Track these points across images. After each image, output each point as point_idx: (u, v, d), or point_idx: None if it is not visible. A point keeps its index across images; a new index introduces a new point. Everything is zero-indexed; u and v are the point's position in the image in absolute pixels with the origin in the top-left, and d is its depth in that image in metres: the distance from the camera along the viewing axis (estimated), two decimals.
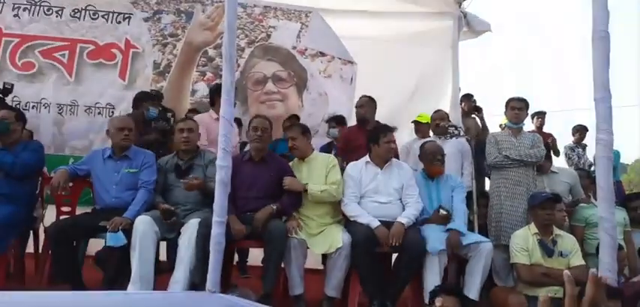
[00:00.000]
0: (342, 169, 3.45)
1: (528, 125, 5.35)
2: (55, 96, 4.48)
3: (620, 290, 2.29)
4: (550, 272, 3.02)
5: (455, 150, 4.07)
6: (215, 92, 3.81)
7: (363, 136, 3.86)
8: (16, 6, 4.59)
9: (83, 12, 4.68)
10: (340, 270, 3.06)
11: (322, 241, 3.11)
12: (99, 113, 4.53)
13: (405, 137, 4.74)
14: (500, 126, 4.78)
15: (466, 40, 5.47)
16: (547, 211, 3.17)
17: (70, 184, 3.29)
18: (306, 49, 4.94)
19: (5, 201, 3.09)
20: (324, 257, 3.29)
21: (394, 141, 3.50)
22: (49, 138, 4.35)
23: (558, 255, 3.11)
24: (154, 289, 2.92)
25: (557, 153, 6.00)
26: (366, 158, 3.47)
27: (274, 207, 3.08)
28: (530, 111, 4.87)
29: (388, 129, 3.48)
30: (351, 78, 4.96)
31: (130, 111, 4.39)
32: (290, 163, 3.43)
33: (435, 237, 3.11)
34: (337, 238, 3.06)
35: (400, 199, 3.37)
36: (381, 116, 4.26)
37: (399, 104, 5.09)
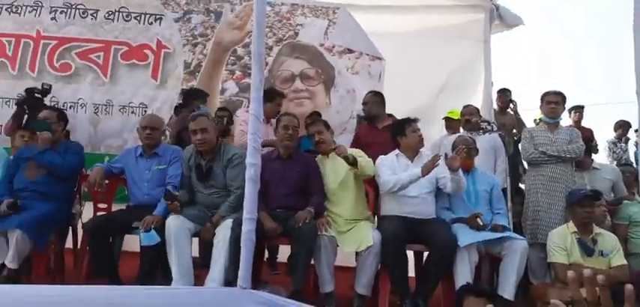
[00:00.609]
0: None
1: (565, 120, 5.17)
2: (91, 96, 4.61)
3: None
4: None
5: (487, 146, 3.96)
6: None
7: (373, 134, 3.83)
8: (53, 9, 4.75)
9: (116, 14, 4.80)
10: (370, 268, 3.04)
11: (352, 239, 3.10)
12: (132, 112, 4.63)
13: (435, 133, 4.67)
14: (536, 121, 4.65)
15: (498, 33, 5.34)
16: (586, 209, 3.06)
17: (106, 181, 3.39)
18: (333, 46, 4.92)
19: (45, 199, 3.21)
20: (357, 254, 3.27)
21: (419, 131, 3.45)
22: (86, 137, 4.48)
23: (598, 254, 3.00)
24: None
25: (595, 151, 5.78)
26: (396, 150, 3.44)
27: (312, 210, 3.08)
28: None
29: (411, 120, 3.45)
30: (380, 75, 4.90)
31: (163, 109, 4.50)
32: None
33: (465, 233, 3.05)
34: (367, 236, 3.04)
35: (433, 191, 3.32)
36: (410, 112, 4.19)
37: (430, 100, 5.01)
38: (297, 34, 4.96)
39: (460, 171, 3.19)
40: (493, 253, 3.17)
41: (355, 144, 3.97)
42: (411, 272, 3.27)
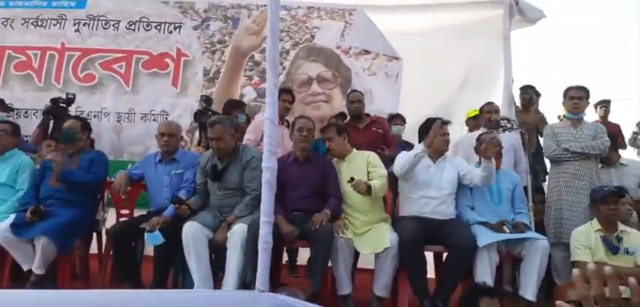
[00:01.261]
0: None
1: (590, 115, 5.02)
2: (114, 105, 4.73)
3: None
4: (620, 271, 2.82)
5: (507, 144, 3.89)
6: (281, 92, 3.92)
7: (357, 134, 3.80)
8: (76, 22, 4.91)
9: (137, 24, 4.92)
10: (388, 270, 3.02)
11: (369, 241, 3.09)
12: (154, 120, 4.73)
13: (456, 131, 4.60)
14: (559, 117, 4.54)
15: (519, 28, 5.25)
16: (610, 206, 2.98)
17: (129, 188, 3.48)
18: (349, 48, 4.92)
19: (69, 206, 3.30)
20: (376, 256, 3.26)
21: (448, 134, 3.40)
22: (109, 144, 4.61)
23: (624, 253, 2.91)
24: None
25: (622, 147, 5.59)
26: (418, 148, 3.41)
27: (329, 213, 3.09)
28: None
29: (443, 122, 3.37)
30: (397, 75, 4.88)
31: (183, 116, 4.59)
32: None
33: (484, 233, 3.00)
34: (384, 238, 3.02)
35: (453, 193, 3.29)
36: (430, 111, 4.16)
37: (449, 98, 4.96)
38: (313, 36, 4.98)
39: (493, 160, 3.16)
40: (514, 253, 3.11)
41: None
42: (431, 274, 3.24)
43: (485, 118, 4.11)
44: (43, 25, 4.89)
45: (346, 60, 4.88)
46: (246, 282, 2.89)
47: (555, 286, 3.20)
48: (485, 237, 2.96)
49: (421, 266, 3.03)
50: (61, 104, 4.16)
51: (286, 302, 2.43)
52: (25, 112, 4.65)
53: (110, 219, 3.84)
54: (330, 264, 3.05)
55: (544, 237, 3.15)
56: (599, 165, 3.76)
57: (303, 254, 4.09)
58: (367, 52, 4.90)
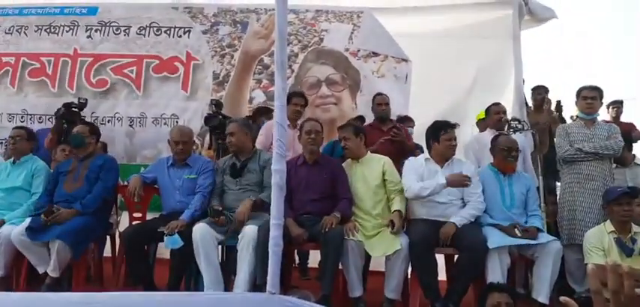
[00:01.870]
0: None
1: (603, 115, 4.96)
2: (127, 109, 4.78)
3: None
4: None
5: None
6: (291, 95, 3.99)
7: (381, 136, 3.78)
8: (88, 28, 4.97)
9: (147, 29, 4.97)
10: (399, 272, 3.02)
11: (380, 243, 3.09)
12: (165, 124, 4.77)
13: (466, 133, 4.58)
14: (572, 117, 4.49)
15: (529, 28, 5.20)
16: (624, 207, 2.95)
17: (143, 192, 3.52)
18: (358, 50, 4.92)
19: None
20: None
21: (455, 139, 3.38)
22: (122, 149, 4.67)
23: (638, 254, 2.87)
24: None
25: (635, 140, 5.50)
26: (426, 154, 3.41)
27: (338, 215, 3.10)
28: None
29: (449, 126, 3.37)
30: (406, 77, 4.86)
31: (193, 120, 4.62)
32: (344, 164, 3.43)
33: (495, 235, 2.98)
34: (395, 240, 3.02)
35: (462, 198, 3.26)
36: (440, 113, 4.15)
37: (459, 100, 4.93)
38: (322, 39, 4.99)
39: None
40: (526, 255, 3.09)
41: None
42: (442, 276, 3.23)
43: (494, 119, 4.06)
44: (56, 31, 4.95)
45: (355, 62, 4.88)
46: (256, 284, 2.90)
47: (566, 288, 3.16)
48: (495, 239, 2.94)
49: (432, 269, 3.02)
50: (74, 108, 4.22)
51: (297, 305, 2.44)
52: (40, 118, 4.72)
53: (123, 222, 3.89)
54: (340, 267, 3.05)
55: (556, 239, 3.11)
56: (614, 166, 3.71)
57: (315, 257, 4.10)
58: (376, 54, 4.89)
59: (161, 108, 4.80)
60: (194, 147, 4.29)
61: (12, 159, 3.67)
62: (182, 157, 3.51)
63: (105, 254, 3.88)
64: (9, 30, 4.98)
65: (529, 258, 3.06)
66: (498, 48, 4.90)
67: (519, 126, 3.79)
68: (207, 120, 4.16)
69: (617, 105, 5.61)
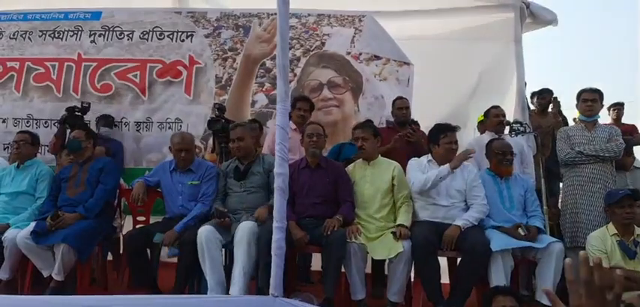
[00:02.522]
0: None
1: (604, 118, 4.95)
2: (132, 114, 4.82)
3: None
4: (632, 275, 2.78)
5: (516, 148, 3.86)
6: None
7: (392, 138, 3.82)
8: (92, 33, 5.00)
9: (150, 33, 5.00)
10: (402, 275, 3.02)
11: (382, 246, 3.09)
12: (169, 128, 4.79)
13: (469, 136, 4.58)
14: (574, 120, 4.50)
15: (530, 31, 5.21)
16: (625, 209, 2.94)
17: (146, 197, 3.54)
18: (360, 54, 4.94)
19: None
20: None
21: (456, 142, 3.40)
22: (129, 153, 4.71)
23: None
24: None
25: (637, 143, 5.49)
26: (429, 156, 3.42)
27: (340, 218, 3.11)
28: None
29: (449, 129, 3.38)
30: (408, 80, 4.87)
31: (197, 124, 4.65)
32: (352, 165, 3.44)
33: (499, 237, 2.99)
34: (397, 243, 3.03)
35: (464, 201, 3.27)
36: (442, 116, 4.15)
37: (461, 103, 4.93)
38: (324, 43, 5.01)
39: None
40: (528, 257, 3.09)
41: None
42: (445, 279, 3.23)
43: (493, 122, 4.05)
44: (60, 36, 4.98)
45: (357, 65, 4.90)
46: (258, 286, 2.91)
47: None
48: (499, 242, 2.95)
49: (435, 271, 3.03)
50: (77, 113, 4.25)
51: None
52: (45, 123, 4.76)
53: (127, 225, 3.91)
54: (343, 270, 3.06)
55: (559, 241, 3.12)
56: (614, 169, 3.71)
57: (319, 260, 4.11)
58: (378, 57, 4.91)
59: (166, 112, 4.83)
60: (197, 151, 4.32)
61: (16, 164, 3.69)
62: (185, 165, 3.52)
63: (109, 258, 3.90)
64: (13, 35, 5.02)
65: (532, 260, 3.06)
66: (500, 51, 4.90)
67: (521, 129, 3.79)
68: (211, 123, 4.19)
69: (618, 107, 5.61)
